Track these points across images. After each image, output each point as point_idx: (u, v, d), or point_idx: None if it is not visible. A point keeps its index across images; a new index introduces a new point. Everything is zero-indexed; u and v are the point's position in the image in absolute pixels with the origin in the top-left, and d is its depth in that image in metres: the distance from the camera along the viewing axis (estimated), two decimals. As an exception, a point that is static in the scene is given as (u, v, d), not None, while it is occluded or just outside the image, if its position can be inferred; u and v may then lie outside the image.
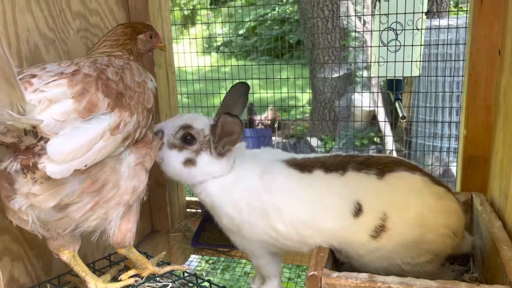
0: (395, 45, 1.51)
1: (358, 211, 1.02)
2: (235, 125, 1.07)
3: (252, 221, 1.09)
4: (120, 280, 1.10)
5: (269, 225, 1.08)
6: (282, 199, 1.07)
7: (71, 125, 0.82)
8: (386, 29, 1.51)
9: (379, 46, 1.55)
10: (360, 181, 1.04)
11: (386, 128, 3.98)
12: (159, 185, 1.70)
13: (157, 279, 1.15)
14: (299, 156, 1.16)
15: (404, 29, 1.50)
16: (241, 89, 1.20)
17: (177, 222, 1.78)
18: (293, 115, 4.55)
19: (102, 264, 1.27)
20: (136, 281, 1.11)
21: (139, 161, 1.02)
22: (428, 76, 2.72)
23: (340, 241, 1.06)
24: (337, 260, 1.16)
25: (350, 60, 4.23)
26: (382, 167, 1.06)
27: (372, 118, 4.38)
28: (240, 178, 1.11)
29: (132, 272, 1.13)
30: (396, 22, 1.50)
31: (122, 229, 1.03)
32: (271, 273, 1.20)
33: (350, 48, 4.22)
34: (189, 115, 1.18)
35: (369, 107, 3.42)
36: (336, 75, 4.06)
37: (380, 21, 1.52)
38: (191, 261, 1.64)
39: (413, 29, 1.50)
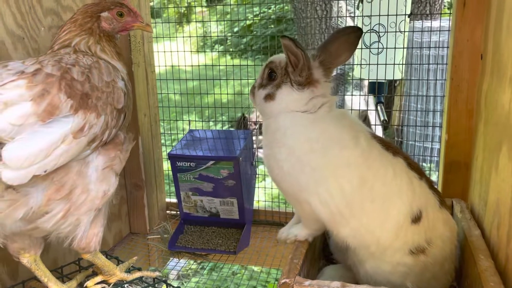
0: (378, 48, 1.47)
1: (416, 218, 1.03)
2: (291, 43, 0.98)
3: (314, 165, 1.01)
4: (86, 287, 1.07)
5: (337, 175, 1.01)
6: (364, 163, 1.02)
7: (30, 129, 0.79)
8: (369, 31, 1.48)
9: (361, 48, 1.52)
10: (428, 198, 1.06)
11: (378, 129, 3.95)
12: (137, 186, 1.67)
13: (125, 286, 1.12)
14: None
15: (387, 31, 1.47)
16: (350, 33, 1.04)
17: (156, 224, 1.75)
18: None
19: (70, 270, 1.23)
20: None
21: (107, 165, 0.98)
22: (410, 79, 2.69)
23: (381, 234, 1.02)
24: (316, 265, 1.13)
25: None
26: (441, 200, 1.09)
27: (364, 119, 4.35)
28: (326, 124, 1.04)
29: (98, 278, 1.10)
30: (379, 24, 1.47)
31: (89, 234, 1.00)
32: (306, 223, 1.13)
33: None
34: None
35: (354, 109, 3.37)
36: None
37: (363, 23, 1.49)
38: (178, 260, 1.60)
39: (395, 32, 1.47)
